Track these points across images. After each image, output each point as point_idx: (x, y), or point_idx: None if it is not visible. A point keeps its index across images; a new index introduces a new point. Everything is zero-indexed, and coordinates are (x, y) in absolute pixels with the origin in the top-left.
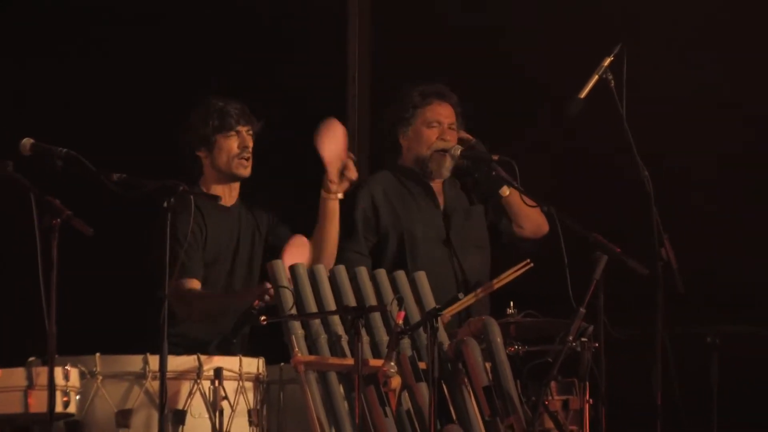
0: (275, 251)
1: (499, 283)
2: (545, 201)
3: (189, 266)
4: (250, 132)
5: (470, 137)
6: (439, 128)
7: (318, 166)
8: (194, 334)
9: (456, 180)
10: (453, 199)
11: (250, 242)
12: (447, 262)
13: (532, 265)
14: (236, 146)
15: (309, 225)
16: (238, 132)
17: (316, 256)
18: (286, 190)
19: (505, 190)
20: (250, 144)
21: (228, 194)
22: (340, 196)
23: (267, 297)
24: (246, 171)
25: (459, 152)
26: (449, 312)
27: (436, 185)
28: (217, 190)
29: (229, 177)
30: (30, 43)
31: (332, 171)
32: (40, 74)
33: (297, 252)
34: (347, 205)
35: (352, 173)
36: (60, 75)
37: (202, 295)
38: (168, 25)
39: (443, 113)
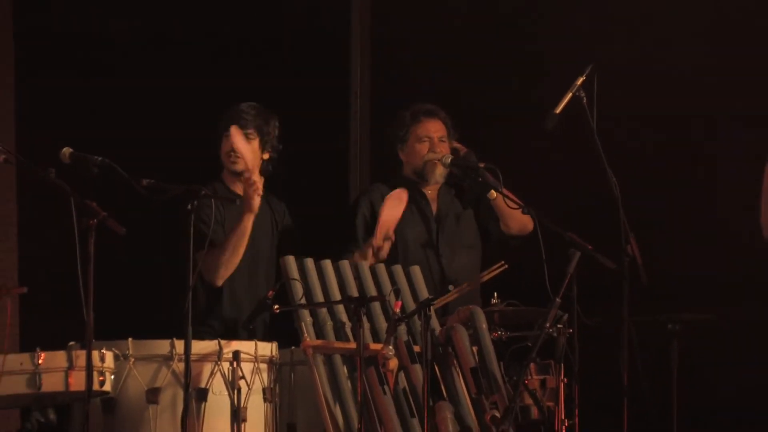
0: (284, 248)
1: (477, 282)
2: (527, 204)
3: (214, 239)
4: (256, 135)
5: (462, 147)
6: (429, 142)
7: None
8: (218, 321)
9: (450, 188)
10: (446, 204)
11: (270, 230)
12: (430, 262)
13: (507, 266)
14: (228, 146)
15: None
16: (246, 134)
17: (215, 268)
18: (292, 199)
19: (493, 194)
20: (242, 145)
21: (241, 188)
22: (370, 261)
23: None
24: (235, 166)
25: (449, 160)
26: (440, 302)
27: (431, 193)
28: (233, 183)
29: (230, 172)
30: (70, 63)
31: (380, 234)
32: (77, 90)
33: (396, 203)
34: (350, 212)
35: (385, 252)
36: (95, 91)
37: (219, 246)
38: (187, 50)
39: (432, 128)
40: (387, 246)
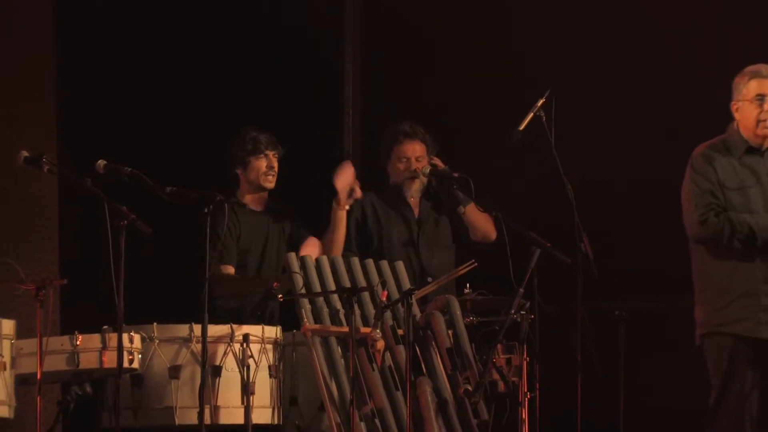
0: (295, 247)
1: (452, 276)
2: (494, 207)
3: (226, 255)
4: (276, 155)
5: (441, 163)
6: (407, 162)
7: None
8: (230, 308)
9: (431, 196)
10: (427, 210)
11: (277, 239)
12: (412, 259)
13: (476, 264)
14: (264, 166)
15: (313, 226)
16: (266, 155)
17: (328, 250)
18: (297, 203)
19: (461, 209)
20: (275, 164)
21: (258, 202)
22: (347, 208)
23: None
24: (270, 184)
25: (428, 170)
26: (420, 293)
27: (414, 201)
28: (249, 199)
29: (258, 188)
30: (101, 85)
31: (342, 195)
32: (110, 111)
33: (310, 250)
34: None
35: (359, 194)
36: (126, 111)
37: (233, 278)
38: (197, 75)
39: (410, 150)
40: (357, 189)
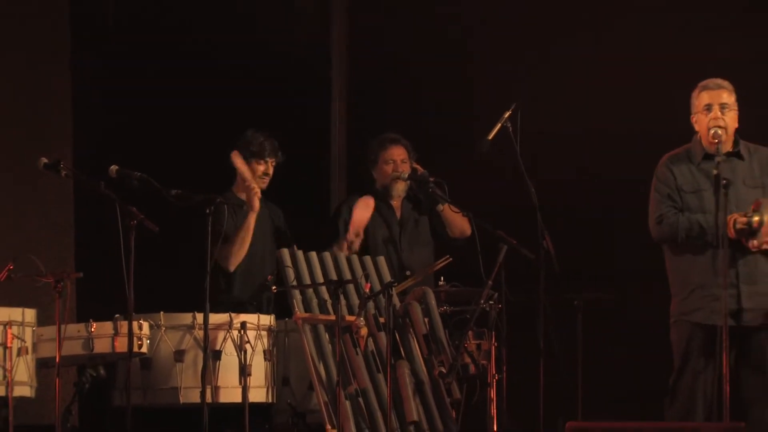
0: (280, 240)
1: (429, 270)
2: (467, 208)
3: (228, 236)
4: (274, 163)
5: (420, 168)
6: (393, 164)
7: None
8: (230, 299)
9: (410, 201)
10: (408, 212)
11: (269, 229)
12: (393, 256)
13: (451, 259)
14: (261, 171)
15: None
16: (266, 161)
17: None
18: (287, 204)
19: (440, 207)
20: (271, 171)
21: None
22: (346, 253)
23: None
24: (263, 186)
25: (407, 175)
26: (401, 287)
27: (396, 203)
28: (240, 193)
29: (249, 188)
30: (112, 96)
31: (352, 231)
32: (120, 118)
33: (364, 206)
34: (333, 216)
35: (360, 238)
36: (136, 119)
37: (230, 241)
38: (202, 89)
39: (395, 153)
40: (358, 241)
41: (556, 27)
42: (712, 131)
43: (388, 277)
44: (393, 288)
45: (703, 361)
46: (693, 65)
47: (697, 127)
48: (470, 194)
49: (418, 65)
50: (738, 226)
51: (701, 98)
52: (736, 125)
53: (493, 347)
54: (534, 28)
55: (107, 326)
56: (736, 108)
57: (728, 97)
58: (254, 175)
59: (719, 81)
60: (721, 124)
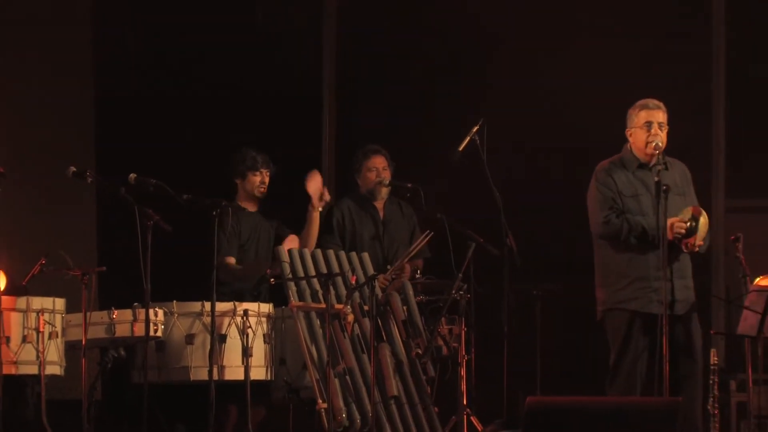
0: (279, 241)
1: (414, 249)
2: (439, 210)
3: (228, 249)
4: (268, 173)
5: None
6: (375, 172)
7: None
8: (233, 289)
9: (394, 200)
10: (390, 213)
11: (267, 235)
12: (377, 251)
13: (432, 234)
14: (258, 181)
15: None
16: (261, 172)
17: (304, 244)
18: (282, 207)
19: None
20: (267, 180)
21: (252, 205)
22: (319, 209)
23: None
24: (262, 194)
25: (388, 182)
26: (390, 272)
27: (379, 205)
28: (245, 203)
29: (252, 196)
30: (129, 112)
31: (315, 198)
32: (138, 131)
33: (291, 244)
34: (327, 217)
35: (327, 197)
36: (150, 132)
37: (233, 267)
38: (207, 107)
39: (377, 162)
40: (323, 204)
41: (519, 48)
42: (653, 144)
43: (371, 270)
44: (376, 279)
45: (641, 344)
46: (620, 88)
47: (631, 140)
48: (443, 198)
49: (398, 85)
50: (677, 230)
51: (640, 116)
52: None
53: (463, 332)
54: (500, 48)
55: (127, 313)
56: (667, 127)
57: (663, 117)
58: (252, 185)
59: (657, 102)
60: (659, 139)
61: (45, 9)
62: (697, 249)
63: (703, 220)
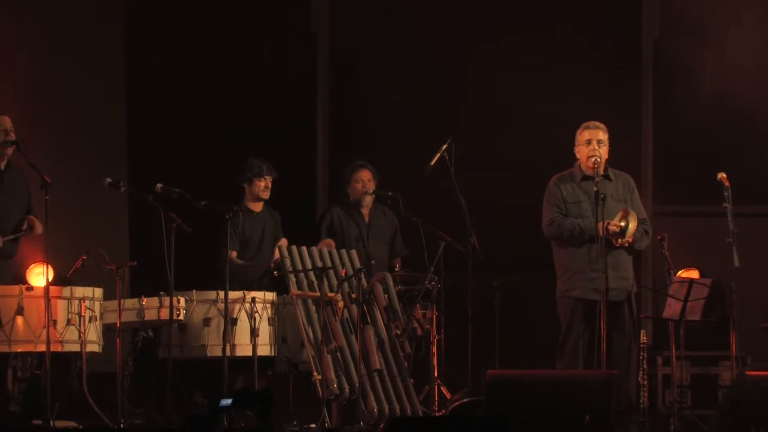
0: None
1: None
2: (415, 214)
3: (231, 244)
4: (271, 179)
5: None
6: (362, 183)
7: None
8: (241, 279)
9: (379, 206)
10: (374, 218)
11: (272, 232)
12: (362, 250)
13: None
14: (262, 186)
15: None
16: (265, 178)
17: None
18: (283, 212)
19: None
20: (270, 185)
21: (257, 207)
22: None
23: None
24: (266, 197)
25: (372, 191)
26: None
27: (365, 211)
28: (252, 204)
29: (257, 199)
30: (155, 125)
31: (323, 247)
32: (163, 144)
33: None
34: (317, 222)
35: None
36: (172, 145)
37: (234, 260)
38: (213, 123)
39: (363, 175)
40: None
41: (484, 70)
42: (592, 159)
43: (358, 265)
44: (362, 272)
45: (582, 326)
46: (576, 111)
47: (578, 156)
48: (419, 204)
49: (383, 109)
50: (611, 228)
51: (583, 135)
52: (607, 156)
53: (434, 316)
54: (470, 68)
55: (154, 300)
56: (607, 144)
57: (603, 135)
58: (258, 189)
59: (597, 123)
60: (597, 155)
61: (84, 38)
62: (627, 244)
63: (632, 221)
